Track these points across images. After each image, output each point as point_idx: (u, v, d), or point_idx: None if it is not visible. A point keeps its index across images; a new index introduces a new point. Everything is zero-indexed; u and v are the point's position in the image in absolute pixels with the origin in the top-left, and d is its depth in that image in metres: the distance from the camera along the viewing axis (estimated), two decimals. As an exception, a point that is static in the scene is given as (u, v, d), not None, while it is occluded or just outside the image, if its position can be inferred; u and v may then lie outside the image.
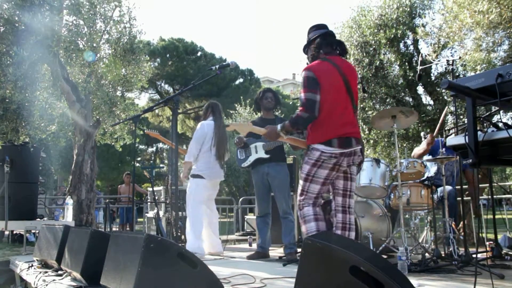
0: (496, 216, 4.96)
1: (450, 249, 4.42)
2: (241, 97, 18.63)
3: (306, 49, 3.75)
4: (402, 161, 4.79)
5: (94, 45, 6.95)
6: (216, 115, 5.81)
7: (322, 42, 3.57)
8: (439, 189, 5.15)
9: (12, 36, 6.18)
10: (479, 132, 2.20)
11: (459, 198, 4.93)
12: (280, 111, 5.58)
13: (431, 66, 7.08)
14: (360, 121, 7.90)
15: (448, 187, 5.12)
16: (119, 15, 7.25)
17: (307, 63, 3.65)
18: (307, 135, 3.56)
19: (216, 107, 5.88)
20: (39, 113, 6.80)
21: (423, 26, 7.12)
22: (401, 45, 7.75)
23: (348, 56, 7.88)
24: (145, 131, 7.19)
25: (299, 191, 3.54)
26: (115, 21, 7.23)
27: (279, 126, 3.57)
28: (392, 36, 7.38)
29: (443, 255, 4.52)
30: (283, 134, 3.59)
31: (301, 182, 3.51)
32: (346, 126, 3.40)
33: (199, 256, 5.37)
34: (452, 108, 6.62)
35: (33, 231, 7.03)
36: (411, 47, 7.82)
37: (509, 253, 4.67)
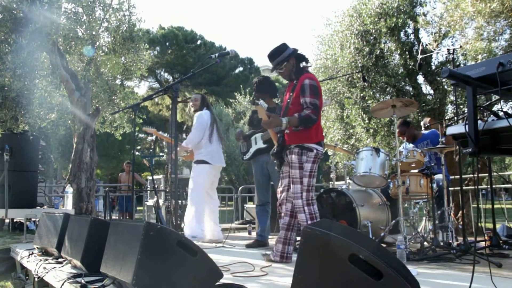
0: (495, 206, 4.97)
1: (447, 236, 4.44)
2: (241, 86, 18.58)
3: (286, 60, 4.02)
4: (401, 150, 4.78)
5: (93, 33, 6.92)
6: (209, 106, 6.15)
7: (302, 58, 4.06)
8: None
9: (10, 23, 6.15)
10: (479, 121, 2.20)
11: (457, 188, 4.94)
12: (280, 99, 5.55)
13: (431, 55, 7.05)
14: (360, 110, 7.88)
15: (438, 176, 5.14)
16: (118, 2, 7.21)
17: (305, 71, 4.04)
18: (297, 135, 3.88)
19: (206, 99, 6.25)
20: (38, 101, 6.78)
21: (424, 15, 7.08)
22: (402, 34, 7.71)
23: (348, 45, 7.85)
24: (143, 128, 7.27)
25: (304, 187, 3.82)
26: (114, 8, 7.19)
27: (285, 120, 3.78)
28: (393, 25, 7.34)
29: (441, 244, 4.54)
30: (284, 127, 3.84)
31: (305, 179, 3.82)
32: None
33: (199, 240, 5.45)
34: (453, 97, 6.61)
35: (33, 219, 7.05)
36: (412, 36, 7.78)
37: (509, 241, 4.69)
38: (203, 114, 5.92)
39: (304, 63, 4.08)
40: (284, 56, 3.99)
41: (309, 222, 3.71)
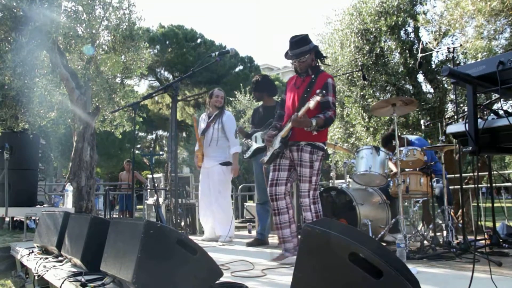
0: (495, 205, 4.97)
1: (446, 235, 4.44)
2: (241, 85, 18.57)
3: (309, 52, 3.90)
4: (401, 149, 4.78)
5: (93, 31, 6.92)
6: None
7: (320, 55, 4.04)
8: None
9: (10, 22, 6.14)
10: (479, 120, 2.19)
11: (457, 186, 4.94)
12: (280, 98, 5.56)
13: (431, 54, 7.05)
14: (360, 108, 7.88)
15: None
16: (118, 1, 7.21)
17: (315, 65, 3.97)
18: (308, 134, 3.75)
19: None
20: (38, 100, 6.79)
21: (424, 13, 7.07)
22: (402, 32, 7.71)
23: (348, 44, 7.85)
24: (193, 116, 7.09)
25: (312, 186, 3.82)
26: (114, 7, 7.18)
27: (314, 120, 3.62)
28: (393, 23, 7.33)
29: (441, 242, 4.54)
30: (312, 129, 3.66)
31: (313, 178, 3.82)
32: None
33: (232, 242, 5.44)
34: (453, 96, 6.61)
35: (33, 217, 7.06)
36: (412, 35, 7.77)
37: (509, 240, 4.69)
38: (231, 115, 5.92)
39: (319, 62, 4.02)
40: (310, 47, 3.88)
41: (315, 220, 3.67)
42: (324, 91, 3.51)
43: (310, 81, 3.87)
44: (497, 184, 7.89)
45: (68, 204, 6.79)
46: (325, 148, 3.93)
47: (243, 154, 5.76)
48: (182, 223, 6.20)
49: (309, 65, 3.91)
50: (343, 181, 6.00)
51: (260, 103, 5.74)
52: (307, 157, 3.79)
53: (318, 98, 3.45)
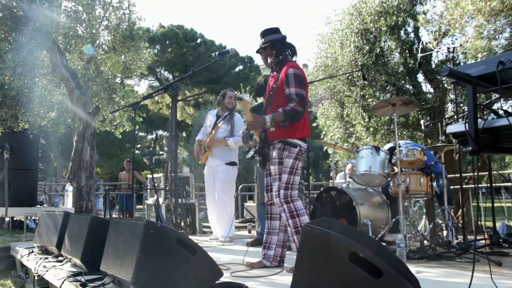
0: (495, 204, 4.97)
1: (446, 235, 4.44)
2: (241, 84, 18.56)
3: (263, 49, 3.77)
4: (401, 149, 4.78)
5: (93, 31, 6.92)
6: None
7: (283, 47, 3.73)
8: None
9: (10, 22, 6.14)
10: (479, 120, 2.19)
11: (457, 186, 4.93)
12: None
13: (431, 53, 7.05)
14: (360, 108, 7.88)
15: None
16: (118, 1, 7.21)
17: (292, 61, 3.71)
18: (280, 130, 3.56)
19: None
20: (38, 100, 6.78)
21: (424, 13, 7.07)
22: (402, 32, 7.71)
23: (348, 44, 7.85)
24: (238, 95, 6.91)
25: (282, 185, 3.53)
26: (114, 7, 7.18)
27: (268, 118, 3.46)
28: (393, 23, 7.34)
29: (441, 242, 4.54)
30: (269, 126, 3.50)
31: (284, 176, 3.54)
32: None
33: (233, 242, 5.43)
34: (453, 96, 6.61)
35: (33, 217, 7.06)
36: (412, 35, 7.77)
37: (509, 240, 4.70)
38: (240, 118, 5.91)
39: (289, 54, 3.73)
40: (264, 42, 3.71)
41: (290, 220, 3.46)
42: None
43: (276, 77, 3.69)
44: (497, 184, 7.89)
45: (68, 204, 6.79)
46: (302, 145, 3.59)
47: (244, 154, 5.75)
48: (182, 223, 6.20)
49: (273, 60, 3.71)
50: (343, 181, 5.99)
51: (259, 101, 5.75)
52: (275, 154, 3.58)
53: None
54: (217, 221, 5.79)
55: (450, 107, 7.71)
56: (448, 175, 5.45)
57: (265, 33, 3.76)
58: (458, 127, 2.39)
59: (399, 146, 4.82)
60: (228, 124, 5.75)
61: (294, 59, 3.77)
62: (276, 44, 3.71)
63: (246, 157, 5.73)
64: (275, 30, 3.78)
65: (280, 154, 3.57)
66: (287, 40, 3.78)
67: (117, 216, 10.83)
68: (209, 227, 6.40)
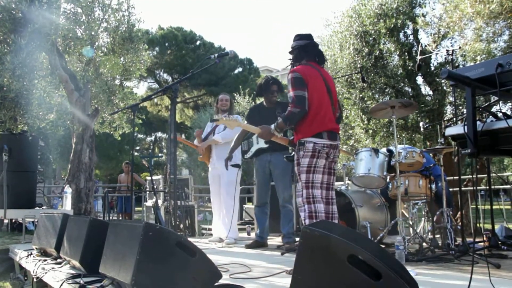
0: (494, 207, 4.97)
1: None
2: (240, 87, 18.59)
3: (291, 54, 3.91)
4: (400, 151, 4.78)
5: (93, 33, 6.91)
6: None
7: (305, 51, 3.82)
8: None
9: (9, 23, 6.14)
10: (478, 122, 2.20)
11: (456, 189, 4.93)
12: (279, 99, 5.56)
13: (430, 56, 7.06)
14: (359, 111, 7.89)
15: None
16: (117, 3, 7.22)
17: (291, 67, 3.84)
18: (296, 133, 3.70)
19: (233, 101, 6.17)
20: (37, 102, 6.78)
21: (423, 16, 7.09)
22: (401, 35, 7.72)
23: (347, 46, 7.86)
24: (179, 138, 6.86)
25: (303, 184, 3.58)
26: (113, 9, 7.19)
27: (273, 126, 3.67)
28: (392, 25, 7.35)
29: (440, 244, 4.54)
30: (277, 133, 3.72)
31: (302, 176, 3.58)
32: (331, 122, 3.68)
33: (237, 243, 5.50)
34: (452, 98, 6.62)
35: (32, 219, 7.05)
36: (411, 37, 7.79)
37: (507, 242, 4.70)
38: (239, 117, 5.85)
39: (307, 60, 3.79)
40: (292, 45, 3.88)
41: (307, 221, 3.47)
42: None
43: None
44: (495, 186, 7.90)
45: (67, 206, 6.78)
46: (317, 141, 3.56)
47: (244, 154, 5.75)
48: (181, 225, 6.20)
49: (291, 65, 3.87)
50: (342, 183, 6.00)
51: (258, 102, 5.75)
52: (295, 157, 3.66)
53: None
54: (223, 223, 5.81)
55: (449, 109, 7.72)
56: (447, 178, 5.45)
57: (294, 38, 3.91)
58: (457, 129, 2.40)
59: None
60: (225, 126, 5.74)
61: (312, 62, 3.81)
62: (293, 52, 3.86)
63: (245, 157, 5.74)
64: (301, 37, 3.90)
65: (298, 156, 3.62)
66: (312, 44, 3.86)
67: (116, 218, 10.81)
68: (208, 229, 6.40)
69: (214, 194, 6.06)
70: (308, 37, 3.89)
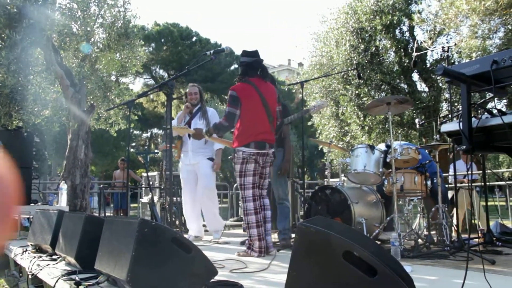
0: (489, 203, 4.98)
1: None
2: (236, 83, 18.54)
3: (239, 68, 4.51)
4: (396, 148, 4.79)
5: (88, 29, 6.89)
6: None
7: (250, 68, 4.32)
8: None
9: (4, 19, 6.10)
10: (473, 119, 2.20)
11: (451, 185, 4.94)
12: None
13: (426, 52, 7.08)
14: (355, 107, 7.89)
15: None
16: (113, -2, 7.18)
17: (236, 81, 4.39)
18: (233, 141, 4.30)
19: (203, 93, 6.05)
20: (32, 98, 6.75)
21: (419, 12, 7.10)
22: (397, 31, 7.74)
23: (343, 42, 7.86)
24: (159, 147, 6.88)
25: (240, 186, 4.23)
26: (109, 4, 7.16)
27: (204, 130, 4.48)
28: (388, 22, 7.36)
29: (435, 241, 4.55)
30: (207, 136, 4.54)
31: (238, 179, 4.23)
32: (262, 134, 4.21)
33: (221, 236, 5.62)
34: (447, 95, 6.63)
35: (27, 216, 7.02)
36: (407, 34, 7.80)
37: (502, 238, 4.72)
38: (215, 112, 5.78)
39: (250, 75, 4.26)
40: (240, 61, 4.40)
41: (243, 217, 4.19)
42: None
43: None
44: (491, 183, 7.93)
45: (63, 202, 6.75)
46: (245, 150, 4.13)
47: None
48: (177, 222, 6.19)
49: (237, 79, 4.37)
50: (338, 179, 6.00)
51: None
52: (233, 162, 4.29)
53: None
54: (207, 219, 5.81)
55: (444, 106, 7.74)
56: (443, 174, 5.46)
57: (241, 54, 4.40)
58: (453, 126, 2.40)
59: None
60: (203, 119, 5.59)
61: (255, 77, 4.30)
62: (240, 67, 4.38)
63: None
64: (248, 54, 4.35)
65: (234, 162, 4.24)
66: (257, 62, 4.33)
67: (111, 214, 10.80)
68: (203, 225, 6.38)
69: (189, 191, 5.80)
70: (254, 54, 4.34)
